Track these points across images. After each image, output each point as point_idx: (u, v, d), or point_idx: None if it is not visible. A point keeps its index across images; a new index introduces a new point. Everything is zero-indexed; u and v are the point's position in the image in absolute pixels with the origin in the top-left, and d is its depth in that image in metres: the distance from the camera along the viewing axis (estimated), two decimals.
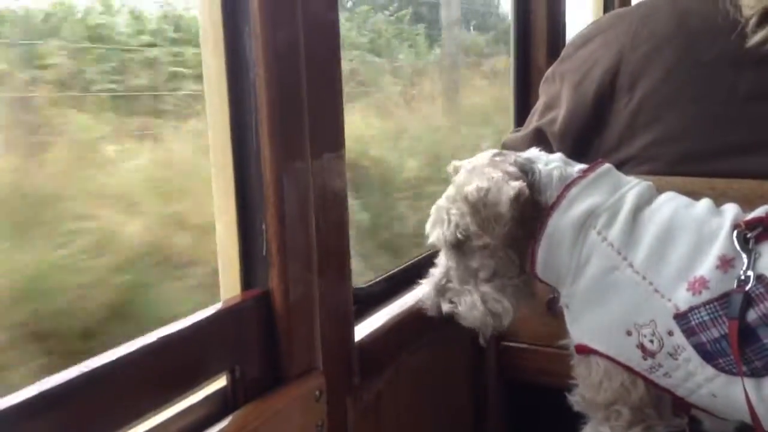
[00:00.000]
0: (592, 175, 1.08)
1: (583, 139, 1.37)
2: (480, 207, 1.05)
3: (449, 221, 1.12)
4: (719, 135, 1.25)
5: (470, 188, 1.06)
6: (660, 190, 1.11)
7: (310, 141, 1.01)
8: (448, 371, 1.53)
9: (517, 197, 1.04)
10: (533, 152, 1.15)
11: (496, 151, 1.16)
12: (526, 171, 1.10)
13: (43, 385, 0.72)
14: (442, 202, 1.15)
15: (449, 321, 1.45)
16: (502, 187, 1.04)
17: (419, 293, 1.40)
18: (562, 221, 1.05)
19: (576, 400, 1.14)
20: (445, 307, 1.17)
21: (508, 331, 1.56)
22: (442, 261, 1.17)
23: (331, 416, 1.06)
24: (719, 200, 1.22)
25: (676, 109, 1.28)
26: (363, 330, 1.23)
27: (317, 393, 1.03)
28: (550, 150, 1.36)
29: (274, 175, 0.95)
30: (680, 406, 1.07)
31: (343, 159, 1.11)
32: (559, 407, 1.24)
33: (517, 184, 1.04)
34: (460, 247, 1.13)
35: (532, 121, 1.49)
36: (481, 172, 1.09)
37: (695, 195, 1.23)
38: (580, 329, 1.09)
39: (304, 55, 0.99)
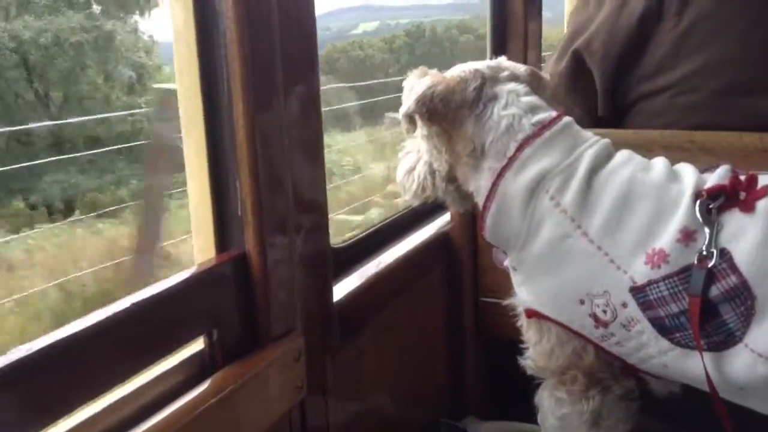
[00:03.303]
0: (547, 134, 1.03)
1: (625, 61, 1.31)
2: (406, 93, 1.11)
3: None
4: None
5: (431, 73, 1.11)
6: (637, 145, 1.09)
7: (284, 79, 0.97)
8: (426, 329, 1.53)
9: (404, 118, 1.09)
10: (508, 87, 1.09)
11: (491, 63, 1.14)
12: (479, 102, 1.08)
13: (14, 354, 0.70)
14: None
15: (425, 277, 1.46)
16: (417, 95, 1.06)
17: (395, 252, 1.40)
18: (513, 184, 1.02)
19: (528, 364, 1.14)
20: (400, 154, 1.23)
21: (485, 287, 1.57)
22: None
23: (310, 377, 1.05)
24: (698, 154, 1.21)
25: (729, 36, 1.22)
26: (342, 290, 1.22)
27: (296, 354, 1.02)
28: (589, 76, 1.31)
29: (247, 132, 0.92)
30: (629, 369, 1.07)
31: (318, 99, 1.07)
32: None
33: (412, 108, 1.07)
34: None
35: (567, 50, 1.40)
36: (455, 70, 1.13)
37: (674, 149, 1.22)
38: (530, 294, 1.08)
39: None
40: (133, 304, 0.81)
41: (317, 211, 1.10)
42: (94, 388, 0.78)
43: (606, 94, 1.34)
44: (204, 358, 0.93)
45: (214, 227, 0.97)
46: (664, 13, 1.27)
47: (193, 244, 0.99)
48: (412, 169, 1.19)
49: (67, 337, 0.74)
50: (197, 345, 0.94)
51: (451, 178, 1.15)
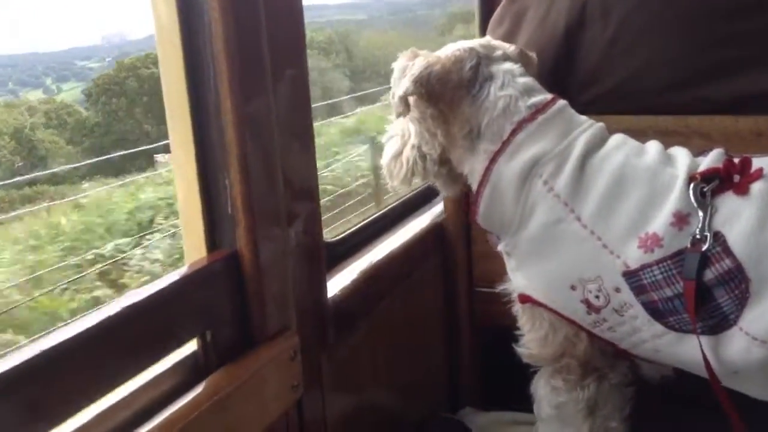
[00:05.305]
0: (540, 118, 1.02)
1: (558, 75, 1.30)
2: (398, 75, 1.08)
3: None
4: (706, 57, 1.19)
5: (423, 53, 1.08)
6: (631, 130, 1.08)
7: (272, 64, 0.94)
8: (421, 321, 1.51)
9: (400, 101, 1.06)
10: (504, 66, 1.08)
11: (485, 41, 1.13)
12: (476, 82, 1.07)
13: (2, 364, 0.67)
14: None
15: (420, 269, 1.44)
16: (414, 76, 1.04)
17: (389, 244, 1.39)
18: (506, 169, 1.01)
19: (522, 352, 1.13)
20: (384, 138, 1.22)
21: (479, 277, 1.55)
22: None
23: (306, 375, 1.03)
24: (693, 138, 1.20)
25: (658, 34, 1.22)
26: (336, 285, 1.20)
27: (292, 353, 1.00)
28: None
29: (236, 128, 0.89)
30: (621, 354, 1.07)
31: (307, 82, 1.04)
32: None
33: (410, 89, 1.04)
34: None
35: None
36: (448, 49, 1.11)
37: (669, 133, 1.21)
38: (523, 279, 1.07)
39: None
40: (125, 308, 0.78)
41: (310, 199, 1.08)
42: (85, 396, 0.76)
43: None
44: (198, 360, 0.91)
45: (204, 226, 0.94)
46: (587, 22, 1.26)
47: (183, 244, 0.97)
48: (398, 154, 1.17)
49: (57, 344, 0.72)
50: (191, 347, 0.92)
51: (443, 161, 1.14)
